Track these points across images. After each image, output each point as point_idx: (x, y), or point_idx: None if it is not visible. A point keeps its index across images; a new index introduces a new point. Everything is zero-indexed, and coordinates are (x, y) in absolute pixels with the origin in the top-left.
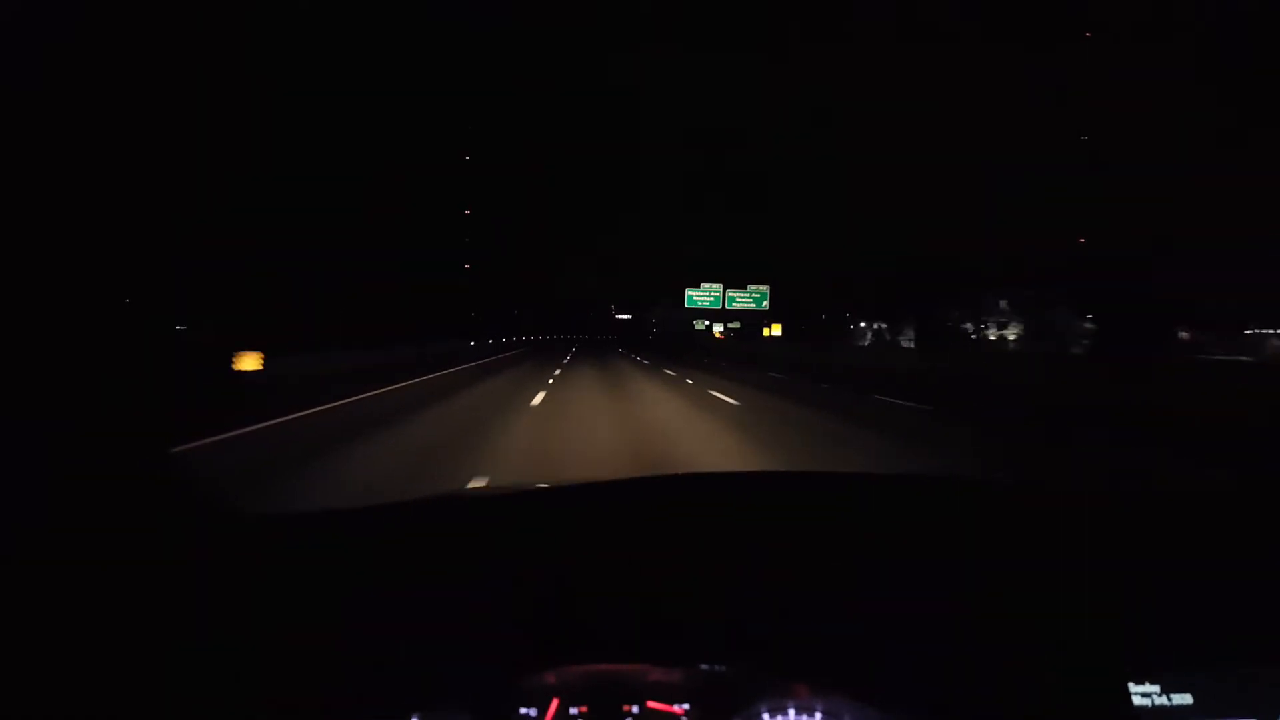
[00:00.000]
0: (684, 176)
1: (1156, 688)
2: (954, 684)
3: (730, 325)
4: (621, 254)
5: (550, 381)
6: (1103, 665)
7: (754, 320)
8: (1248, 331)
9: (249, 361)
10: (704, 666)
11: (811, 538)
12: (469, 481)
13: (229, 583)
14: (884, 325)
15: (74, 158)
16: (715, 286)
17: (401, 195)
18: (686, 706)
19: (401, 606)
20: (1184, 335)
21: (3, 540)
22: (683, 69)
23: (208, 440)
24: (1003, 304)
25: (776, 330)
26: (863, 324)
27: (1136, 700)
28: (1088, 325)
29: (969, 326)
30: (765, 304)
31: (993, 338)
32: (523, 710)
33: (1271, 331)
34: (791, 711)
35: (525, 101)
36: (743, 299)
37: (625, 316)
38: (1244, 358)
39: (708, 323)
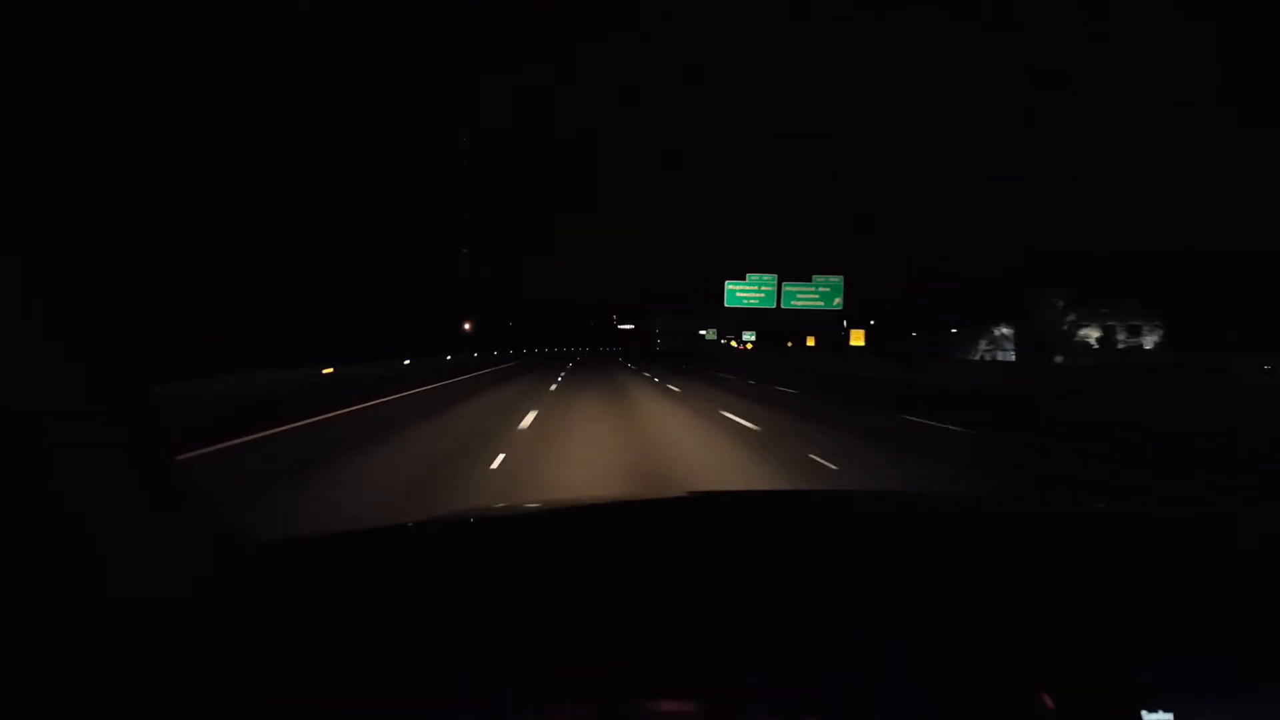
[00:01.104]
0: (722, 144)
1: (1170, 716)
2: (967, 710)
3: (746, 336)
4: (625, 259)
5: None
6: (1116, 691)
7: (825, 325)
8: None
9: None
10: (712, 689)
11: (819, 555)
12: None
13: (232, 601)
14: (1005, 331)
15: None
16: (767, 278)
17: (383, 193)
18: None
19: (404, 633)
20: None
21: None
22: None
23: None
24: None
25: (858, 340)
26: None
27: None
28: None
29: (1091, 334)
30: (838, 302)
31: (1120, 346)
32: None
33: None
34: None
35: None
36: (805, 295)
37: (627, 326)
38: None
39: (715, 330)
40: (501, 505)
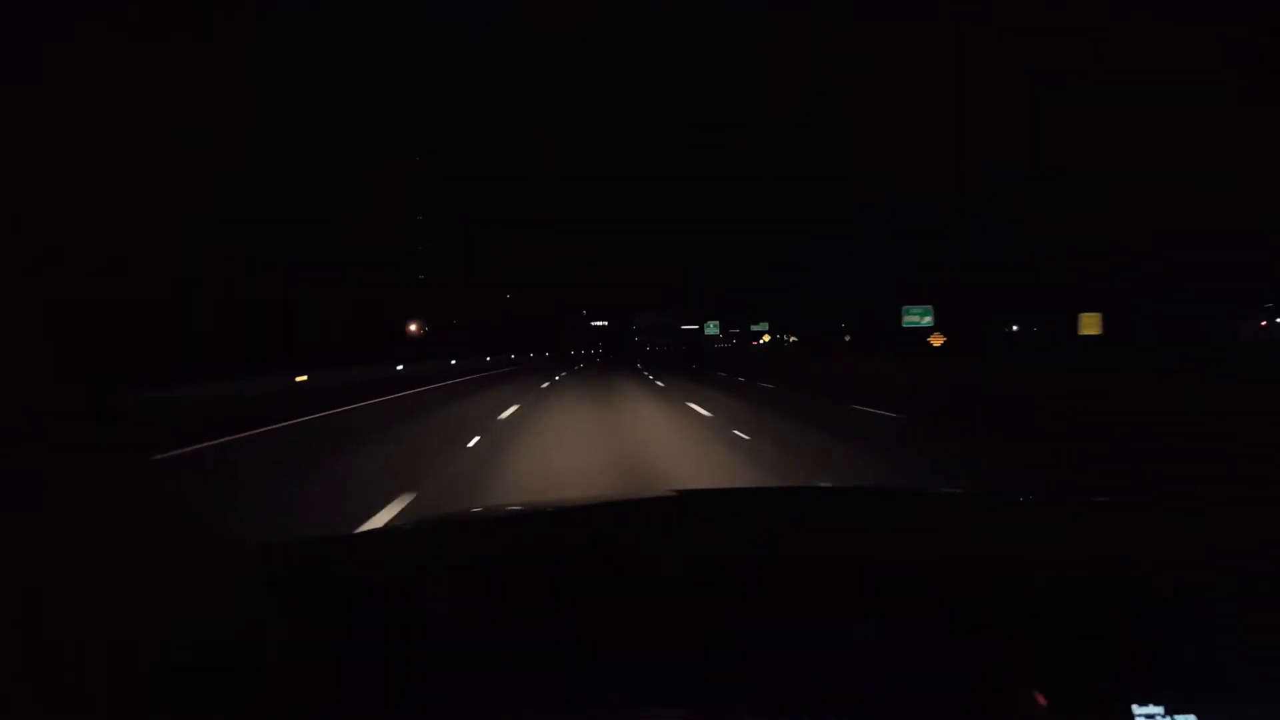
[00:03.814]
0: None
1: (1160, 709)
2: (957, 707)
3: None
4: (598, 249)
5: None
6: (1107, 684)
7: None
8: None
9: None
10: (701, 701)
11: (809, 555)
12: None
13: (225, 609)
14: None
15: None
16: None
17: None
18: None
19: (386, 647)
20: None
21: None
22: None
23: None
24: None
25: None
26: None
27: None
28: None
29: None
30: None
31: None
32: None
33: None
34: None
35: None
36: None
37: (601, 323)
38: None
39: (717, 324)
40: (491, 506)
